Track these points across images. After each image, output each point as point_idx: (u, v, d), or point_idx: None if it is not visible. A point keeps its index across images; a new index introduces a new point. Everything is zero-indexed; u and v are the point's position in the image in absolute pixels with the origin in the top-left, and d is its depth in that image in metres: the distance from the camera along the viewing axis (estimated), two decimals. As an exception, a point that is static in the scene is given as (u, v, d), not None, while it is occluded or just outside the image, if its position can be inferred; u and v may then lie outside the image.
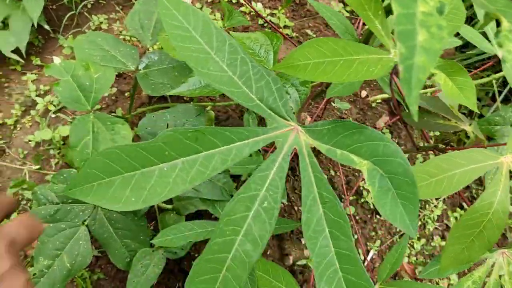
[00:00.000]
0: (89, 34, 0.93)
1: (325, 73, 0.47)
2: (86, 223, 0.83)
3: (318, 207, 0.45)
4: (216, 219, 0.84)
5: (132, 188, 0.43)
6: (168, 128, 0.83)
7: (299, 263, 1.06)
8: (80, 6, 1.40)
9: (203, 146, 0.45)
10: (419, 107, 0.69)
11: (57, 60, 1.27)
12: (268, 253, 1.06)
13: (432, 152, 1.28)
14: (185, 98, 1.21)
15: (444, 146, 0.57)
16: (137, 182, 0.43)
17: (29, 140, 1.19)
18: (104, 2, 1.46)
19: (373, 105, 1.26)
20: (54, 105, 1.24)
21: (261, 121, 1.09)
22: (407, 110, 0.84)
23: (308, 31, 1.42)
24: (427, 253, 1.27)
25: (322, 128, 0.47)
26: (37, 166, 1.16)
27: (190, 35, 0.46)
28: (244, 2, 1.46)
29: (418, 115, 0.61)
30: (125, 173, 0.43)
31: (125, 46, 0.93)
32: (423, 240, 1.26)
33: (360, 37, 0.71)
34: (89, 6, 1.42)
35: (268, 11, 1.46)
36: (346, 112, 1.21)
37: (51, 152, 1.19)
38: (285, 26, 1.42)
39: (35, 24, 1.24)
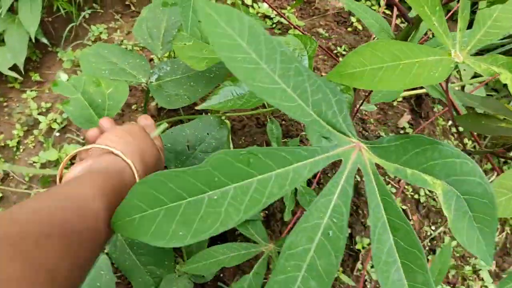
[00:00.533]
0: (94, 47, 0.87)
1: (383, 80, 0.42)
2: (106, 251, 0.77)
3: (388, 236, 0.39)
4: (246, 240, 0.78)
5: (179, 221, 0.38)
6: (187, 142, 0.77)
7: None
8: (81, 17, 1.33)
9: (257, 169, 0.40)
10: (471, 108, 0.64)
11: (63, 76, 1.20)
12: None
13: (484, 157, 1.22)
14: (195, 108, 1.15)
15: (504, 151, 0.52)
16: (185, 213, 0.38)
17: (34, 162, 1.12)
18: (102, 11, 1.39)
19: (394, 104, 1.21)
20: (57, 123, 1.17)
21: (285, 131, 1.03)
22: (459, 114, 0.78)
23: (320, 30, 1.36)
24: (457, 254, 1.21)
25: (389, 144, 0.41)
26: (44, 189, 1.09)
27: (235, 43, 0.40)
28: (247, 3, 1.41)
29: (475, 119, 0.55)
30: (170, 203, 0.37)
31: (134, 57, 0.87)
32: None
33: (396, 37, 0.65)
34: (86, 16, 1.36)
35: (274, 11, 1.40)
36: (366, 113, 1.15)
37: (58, 172, 1.13)
38: (295, 27, 1.36)
39: (33, 38, 1.18)
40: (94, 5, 1.39)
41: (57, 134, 1.17)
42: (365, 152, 0.42)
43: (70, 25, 1.31)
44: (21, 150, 1.15)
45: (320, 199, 0.40)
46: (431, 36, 1.23)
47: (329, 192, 0.40)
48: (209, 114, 0.95)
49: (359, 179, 1.15)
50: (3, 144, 1.15)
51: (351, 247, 1.05)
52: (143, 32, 0.88)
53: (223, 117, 1.00)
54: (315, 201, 0.40)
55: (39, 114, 1.19)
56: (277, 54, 0.41)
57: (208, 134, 0.76)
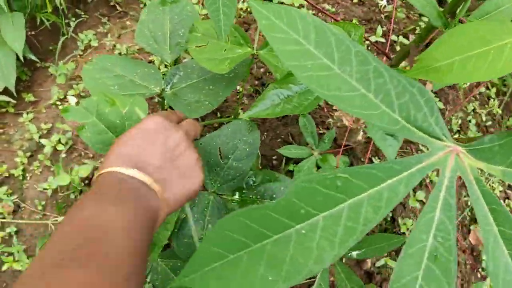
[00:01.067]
0: (95, 61, 0.79)
1: (476, 70, 0.36)
2: (147, 279, 0.72)
3: (502, 250, 0.34)
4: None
5: (266, 264, 0.32)
6: (220, 152, 0.71)
7: (377, 264, 0.97)
8: (70, 29, 1.24)
9: (346, 193, 0.34)
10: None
11: (72, 100, 1.12)
12: (343, 260, 0.97)
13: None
14: (239, 117, 1.08)
15: None
16: (271, 254, 0.33)
17: (44, 189, 1.06)
18: (87, 16, 1.30)
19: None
20: (62, 144, 1.10)
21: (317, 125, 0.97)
22: None
23: (325, 5, 1.29)
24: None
25: (492, 144, 0.35)
26: (61, 217, 1.03)
27: (302, 49, 0.34)
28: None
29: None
30: (253, 244, 0.32)
31: (141, 66, 0.80)
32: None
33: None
34: (71, 24, 1.26)
35: (268, -9, 1.32)
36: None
37: (72, 196, 1.06)
38: (299, 6, 1.29)
39: (20, 56, 1.09)
40: (77, 10, 1.29)
41: (63, 155, 1.10)
42: (464, 156, 0.36)
43: (62, 39, 1.22)
44: (28, 178, 1.08)
45: (421, 219, 0.35)
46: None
47: (430, 208, 0.35)
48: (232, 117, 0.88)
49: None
50: (7, 174, 1.07)
51: (394, 230, 1.01)
52: (146, 37, 0.80)
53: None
54: (417, 222, 0.35)
55: (40, 137, 1.11)
56: (352, 55, 0.35)
57: (239, 140, 0.70)
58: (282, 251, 0.33)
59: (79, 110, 0.68)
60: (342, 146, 0.86)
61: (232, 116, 0.89)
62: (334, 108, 1.09)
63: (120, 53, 1.23)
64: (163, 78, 0.78)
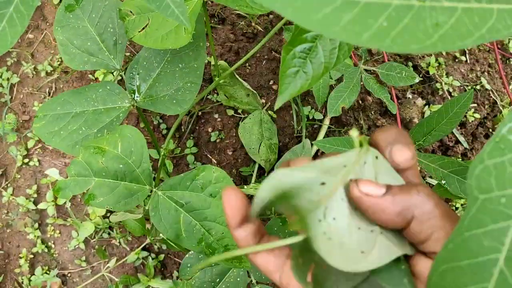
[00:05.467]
0: (42, 114, 0.66)
1: None
2: None
3: None
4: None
5: None
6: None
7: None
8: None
9: None
10: None
11: (54, 172, 0.98)
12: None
13: None
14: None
15: None
16: None
17: (75, 246, 0.98)
18: (-17, 56, 1.10)
19: None
20: (53, 202, 1.00)
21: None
22: None
23: None
24: None
25: None
26: (112, 260, 0.97)
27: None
28: None
29: None
30: None
31: (93, 89, 0.66)
32: None
33: None
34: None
35: None
36: None
37: (105, 236, 0.99)
38: None
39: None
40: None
41: (68, 205, 1.01)
42: None
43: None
44: (53, 246, 1.00)
45: None
46: None
47: None
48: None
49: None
50: (32, 256, 0.99)
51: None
52: (78, 56, 0.66)
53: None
54: None
55: (35, 203, 1.01)
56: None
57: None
58: None
59: (73, 182, 0.58)
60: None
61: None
62: None
63: (47, 72, 1.06)
64: (125, 89, 0.66)
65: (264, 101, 0.99)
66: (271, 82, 1.01)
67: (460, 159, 0.96)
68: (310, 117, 0.95)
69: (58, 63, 1.08)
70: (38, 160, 1.03)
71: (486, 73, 1.00)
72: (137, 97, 0.66)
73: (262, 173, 0.96)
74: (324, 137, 0.90)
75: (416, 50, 0.19)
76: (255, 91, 0.92)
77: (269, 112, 0.96)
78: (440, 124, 0.54)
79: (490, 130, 1.00)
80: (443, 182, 0.52)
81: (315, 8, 0.18)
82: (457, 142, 0.97)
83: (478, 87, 1.00)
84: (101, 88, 0.66)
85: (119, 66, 0.66)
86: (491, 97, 1.00)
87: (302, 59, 0.39)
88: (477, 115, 0.97)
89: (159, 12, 0.38)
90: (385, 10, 0.19)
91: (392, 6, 0.19)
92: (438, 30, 0.19)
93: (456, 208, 0.98)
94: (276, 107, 0.39)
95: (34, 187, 1.02)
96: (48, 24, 1.10)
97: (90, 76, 1.06)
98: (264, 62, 1.00)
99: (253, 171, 0.92)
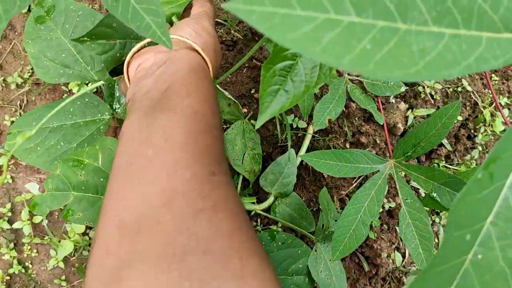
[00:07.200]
0: (15, 131, 0.63)
1: None
2: None
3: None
4: None
5: None
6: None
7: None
8: None
9: None
10: None
11: (34, 187, 0.94)
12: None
13: None
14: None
15: None
16: None
17: (54, 266, 0.94)
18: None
19: None
20: (35, 215, 0.96)
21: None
22: None
23: None
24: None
25: None
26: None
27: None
28: None
29: None
30: None
31: (70, 101, 0.64)
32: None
33: None
34: None
35: None
36: None
37: (85, 253, 0.96)
38: None
39: None
40: None
41: (45, 223, 0.97)
42: None
43: None
44: (30, 266, 0.96)
45: None
46: None
47: None
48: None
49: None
50: (8, 278, 0.95)
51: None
52: (52, 70, 0.63)
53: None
54: None
55: (9, 222, 0.97)
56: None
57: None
58: None
59: (50, 196, 0.55)
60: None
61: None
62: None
63: (17, 84, 1.03)
64: (104, 100, 0.64)
65: (246, 110, 0.98)
66: (253, 91, 1.00)
67: (444, 162, 0.97)
68: (294, 126, 0.95)
69: (29, 74, 1.04)
70: (12, 177, 0.99)
71: (467, 75, 1.02)
72: (117, 107, 0.64)
73: (247, 185, 0.94)
74: (308, 146, 0.90)
75: (400, 77, 0.18)
76: (236, 101, 0.91)
77: (252, 121, 0.95)
78: (429, 135, 0.54)
79: (472, 131, 1.01)
80: (434, 194, 0.52)
81: (295, 26, 0.16)
82: (441, 144, 0.98)
83: (459, 89, 1.01)
84: (79, 101, 0.64)
85: (97, 78, 0.64)
86: (472, 98, 1.01)
87: (283, 77, 0.37)
88: (459, 117, 0.98)
89: (140, 33, 0.36)
90: (369, 31, 0.17)
91: (377, 28, 0.18)
92: (425, 57, 0.18)
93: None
94: (257, 126, 0.37)
95: (8, 205, 0.97)
96: (16, 34, 1.06)
97: (64, 87, 1.02)
98: (244, 70, 0.99)
99: (237, 183, 0.90)
